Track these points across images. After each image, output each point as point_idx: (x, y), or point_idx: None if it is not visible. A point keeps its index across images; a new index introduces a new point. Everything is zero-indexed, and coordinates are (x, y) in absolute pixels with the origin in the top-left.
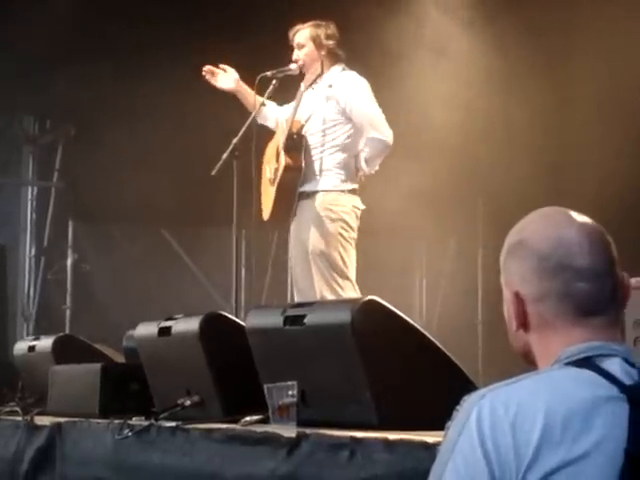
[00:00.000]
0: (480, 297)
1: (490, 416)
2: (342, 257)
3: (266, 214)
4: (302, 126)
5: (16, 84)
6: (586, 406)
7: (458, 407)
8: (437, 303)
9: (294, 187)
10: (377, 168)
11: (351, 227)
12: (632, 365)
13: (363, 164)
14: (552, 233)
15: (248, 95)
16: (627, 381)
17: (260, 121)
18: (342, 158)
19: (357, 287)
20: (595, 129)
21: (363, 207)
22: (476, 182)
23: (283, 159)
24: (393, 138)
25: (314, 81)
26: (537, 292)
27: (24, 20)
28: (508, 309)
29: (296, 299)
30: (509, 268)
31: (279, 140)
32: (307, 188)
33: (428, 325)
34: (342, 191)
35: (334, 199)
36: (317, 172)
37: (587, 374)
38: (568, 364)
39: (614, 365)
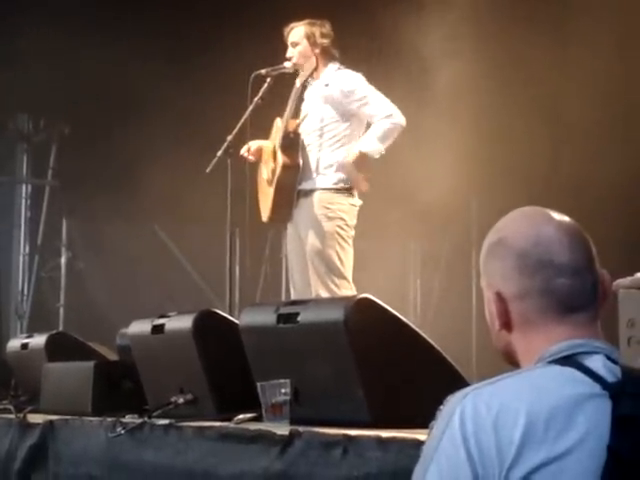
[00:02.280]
0: (474, 296)
1: (473, 415)
2: (339, 256)
3: (265, 216)
4: (298, 124)
5: (11, 82)
6: (568, 404)
7: (441, 407)
8: (431, 302)
9: (292, 186)
10: (383, 152)
11: (349, 225)
12: (614, 362)
13: (373, 142)
14: (531, 231)
15: None
16: (610, 378)
17: None
18: (340, 156)
19: (354, 286)
20: (594, 136)
21: (360, 202)
22: (470, 182)
23: (280, 158)
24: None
25: (307, 78)
26: (518, 290)
27: (21, 17)
28: (490, 310)
29: (293, 297)
30: (489, 269)
31: (275, 139)
32: (305, 186)
33: (422, 324)
34: (339, 189)
35: (331, 197)
36: (314, 170)
37: (570, 372)
38: (551, 362)
39: (597, 362)
